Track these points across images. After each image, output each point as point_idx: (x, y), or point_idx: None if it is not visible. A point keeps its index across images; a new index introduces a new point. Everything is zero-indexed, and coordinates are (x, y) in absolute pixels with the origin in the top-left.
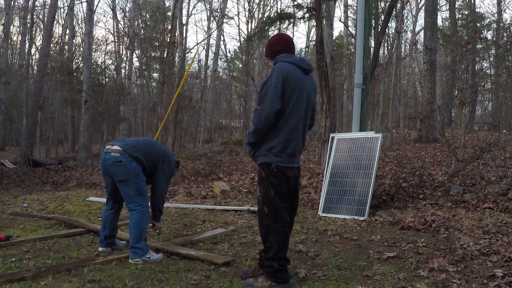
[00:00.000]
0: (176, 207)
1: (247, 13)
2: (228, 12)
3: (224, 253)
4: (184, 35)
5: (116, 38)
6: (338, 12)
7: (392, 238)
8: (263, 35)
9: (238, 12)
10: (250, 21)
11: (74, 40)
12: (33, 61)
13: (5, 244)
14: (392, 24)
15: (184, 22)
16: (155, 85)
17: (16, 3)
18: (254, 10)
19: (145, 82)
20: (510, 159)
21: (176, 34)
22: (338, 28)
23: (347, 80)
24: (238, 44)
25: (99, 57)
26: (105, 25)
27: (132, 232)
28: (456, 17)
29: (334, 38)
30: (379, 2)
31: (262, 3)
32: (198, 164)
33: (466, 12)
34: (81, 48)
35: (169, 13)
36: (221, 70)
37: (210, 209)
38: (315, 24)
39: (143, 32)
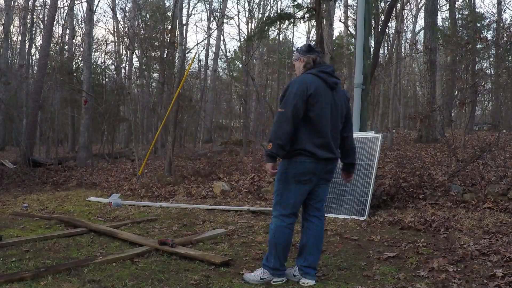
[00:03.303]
0: (176, 207)
1: (247, 13)
2: (228, 12)
3: (224, 253)
4: (184, 35)
5: (116, 38)
6: (338, 12)
7: (392, 238)
8: (263, 35)
9: (238, 12)
10: (250, 21)
11: (74, 40)
12: (33, 61)
13: (5, 244)
14: (392, 24)
15: (184, 22)
16: (155, 85)
17: (16, 3)
18: (254, 10)
19: (145, 82)
20: (510, 159)
21: (176, 34)
22: (338, 28)
23: (347, 80)
24: (238, 44)
25: (99, 57)
26: (105, 25)
27: (320, 244)
28: (456, 17)
29: (334, 38)
30: (379, 2)
31: (262, 3)
32: (198, 164)
33: (466, 12)
34: (81, 48)
35: (169, 13)
36: (221, 70)
37: (210, 209)
38: (315, 24)
39: (143, 32)
